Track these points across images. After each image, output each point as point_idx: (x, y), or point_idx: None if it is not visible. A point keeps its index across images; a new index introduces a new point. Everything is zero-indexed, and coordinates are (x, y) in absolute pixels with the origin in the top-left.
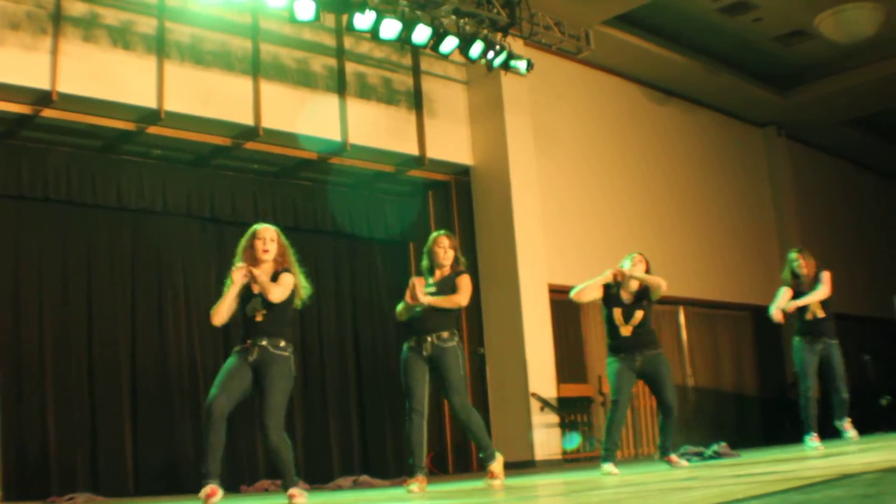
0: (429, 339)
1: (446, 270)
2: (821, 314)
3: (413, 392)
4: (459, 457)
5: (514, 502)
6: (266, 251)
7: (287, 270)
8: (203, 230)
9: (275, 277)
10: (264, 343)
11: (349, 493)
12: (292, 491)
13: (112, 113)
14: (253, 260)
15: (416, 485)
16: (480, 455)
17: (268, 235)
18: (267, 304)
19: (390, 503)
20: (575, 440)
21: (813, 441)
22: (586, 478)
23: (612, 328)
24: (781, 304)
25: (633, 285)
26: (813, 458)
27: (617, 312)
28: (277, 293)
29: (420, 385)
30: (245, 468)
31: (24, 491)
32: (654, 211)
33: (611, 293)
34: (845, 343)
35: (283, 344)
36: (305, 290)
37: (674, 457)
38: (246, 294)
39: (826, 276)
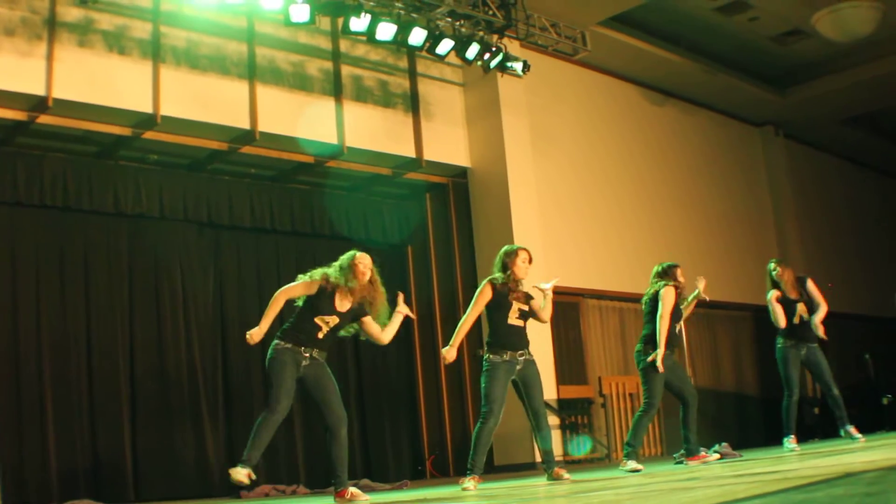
0: (524, 354)
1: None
2: (807, 317)
3: (497, 398)
4: (460, 460)
5: (515, 503)
6: (364, 274)
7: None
8: (200, 235)
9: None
10: (315, 354)
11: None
12: (353, 492)
13: (108, 118)
14: (353, 282)
15: (472, 483)
16: (544, 462)
17: (368, 263)
18: (333, 326)
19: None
20: (586, 444)
21: (791, 443)
22: (588, 478)
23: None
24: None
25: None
26: (815, 457)
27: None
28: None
29: (504, 393)
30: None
31: (25, 498)
32: (653, 212)
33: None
34: (846, 342)
35: (324, 354)
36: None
37: (703, 452)
38: (327, 300)
39: (812, 282)
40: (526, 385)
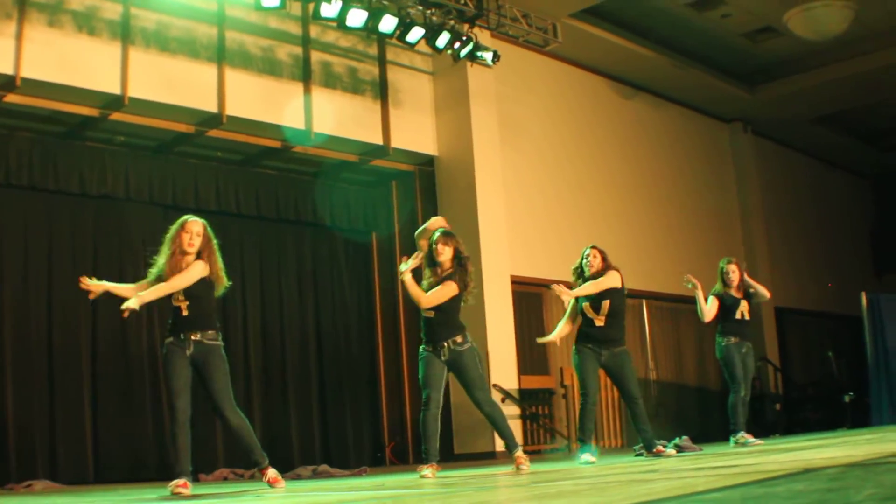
0: (445, 345)
1: (446, 269)
2: (748, 316)
3: (431, 385)
4: (420, 448)
5: (473, 492)
6: (191, 245)
7: (199, 258)
8: (165, 218)
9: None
10: (198, 337)
11: (329, 481)
12: (272, 476)
13: (76, 99)
14: (178, 250)
15: (430, 471)
16: (506, 445)
17: (195, 229)
18: (188, 296)
19: (396, 490)
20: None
21: (743, 438)
22: (547, 469)
23: (585, 319)
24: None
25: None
26: (775, 452)
27: (586, 305)
28: (180, 282)
29: (438, 380)
30: (203, 457)
31: None
32: (620, 204)
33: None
34: (809, 339)
35: (212, 334)
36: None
37: (660, 447)
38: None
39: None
40: (458, 375)
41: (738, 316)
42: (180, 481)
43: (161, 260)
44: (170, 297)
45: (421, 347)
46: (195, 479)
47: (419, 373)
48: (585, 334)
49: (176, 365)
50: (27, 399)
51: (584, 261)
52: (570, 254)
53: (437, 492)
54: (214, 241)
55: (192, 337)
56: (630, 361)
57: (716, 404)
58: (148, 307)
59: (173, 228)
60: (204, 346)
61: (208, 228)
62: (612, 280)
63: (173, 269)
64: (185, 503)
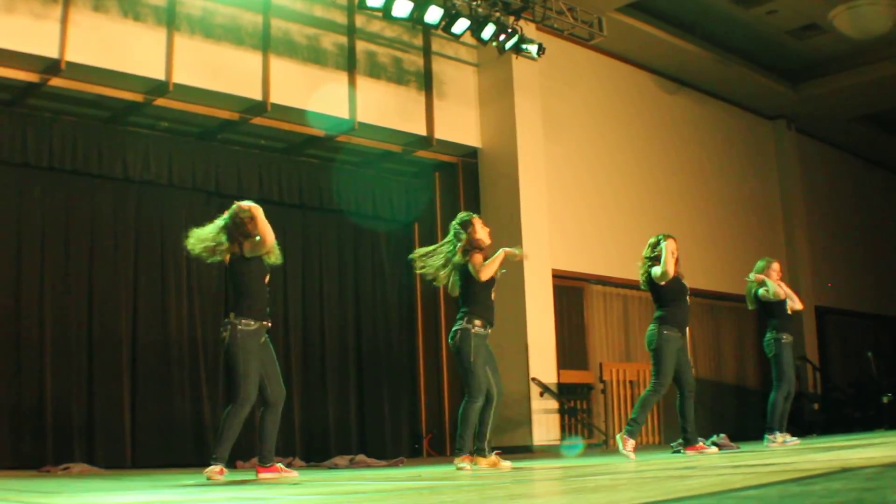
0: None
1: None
2: (790, 312)
3: (488, 378)
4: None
5: (511, 485)
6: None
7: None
8: (207, 204)
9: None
10: (266, 324)
11: (363, 471)
12: (284, 468)
13: (120, 84)
14: (240, 235)
15: (467, 463)
16: (486, 441)
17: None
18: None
19: (415, 481)
20: (578, 447)
21: (781, 437)
22: (584, 463)
23: (681, 299)
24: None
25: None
26: (813, 451)
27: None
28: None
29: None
30: (240, 444)
31: (20, 460)
32: (661, 200)
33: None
34: (850, 339)
35: None
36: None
37: (701, 443)
38: (261, 264)
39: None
40: (491, 362)
41: (787, 310)
42: (216, 468)
43: (216, 243)
44: (242, 278)
45: (481, 330)
46: (231, 466)
47: (474, 358)
48: (677, 317)
49: (254, 353)
50: (66, 382)
51: (663, 244)
52: (610, 249)
53: (473, 483)
54: None
55: (265, 323)
56: None
57: (754, 403)
58: (189, 295)
59: (238, 215)
60: (266, 334)
61: None
62: None
63: (252, 250)
64: (221, 488)
